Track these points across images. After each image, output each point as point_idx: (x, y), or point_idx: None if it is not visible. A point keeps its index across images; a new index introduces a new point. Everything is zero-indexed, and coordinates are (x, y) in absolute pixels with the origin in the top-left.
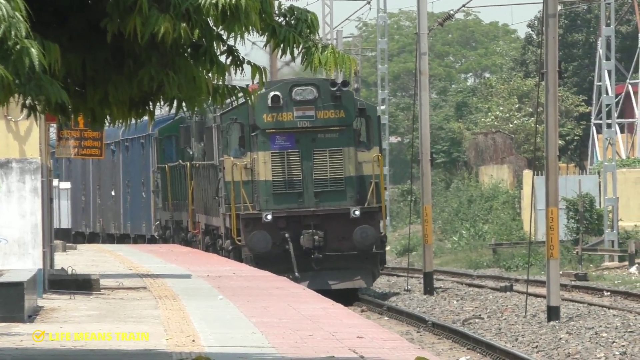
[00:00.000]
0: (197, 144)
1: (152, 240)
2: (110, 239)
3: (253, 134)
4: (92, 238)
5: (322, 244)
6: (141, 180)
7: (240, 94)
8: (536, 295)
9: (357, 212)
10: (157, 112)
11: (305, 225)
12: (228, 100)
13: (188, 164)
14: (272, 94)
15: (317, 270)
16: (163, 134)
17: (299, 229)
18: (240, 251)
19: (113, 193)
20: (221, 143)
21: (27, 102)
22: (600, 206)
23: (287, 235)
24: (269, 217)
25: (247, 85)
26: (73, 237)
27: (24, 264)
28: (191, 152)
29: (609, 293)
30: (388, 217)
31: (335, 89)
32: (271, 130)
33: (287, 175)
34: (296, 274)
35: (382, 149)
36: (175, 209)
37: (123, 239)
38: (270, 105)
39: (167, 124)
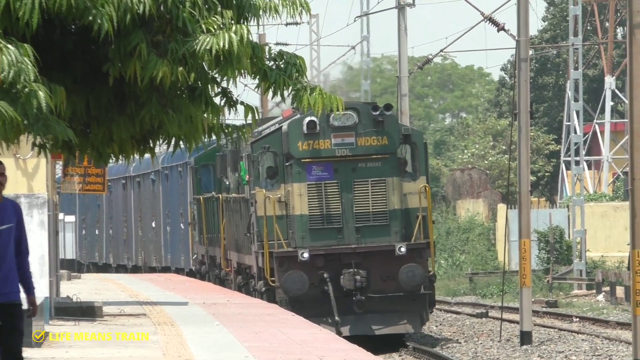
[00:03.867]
0: (232, 174)
1: (191, 274)
2: (152, 272)
3: (287, 163)
4: (135, 271)
5: (365, 285)
6: (180, 211)
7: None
8: (510, 321)
9: (403, 249)
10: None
11: (345, 264)
12: (259, 128)
13: (221, 196)
14: (307, 119)
15: (359, 314)
16: (199, 162)
17: (339, 268)
18: (274, 293)
19: (154, 224)
20: (252, 174)
21: (37, 141)
22: (569, 238)
23: (325, 275)
24: (306, 255)
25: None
26: (115, 269)
27: None
28: (227, 183)
29: (577, 319)
30: None
31: (377, 113)
32: (307, 160)
33: (325, 209)
34: (336, 317)
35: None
36: (209, 243)
37: (164, 271)
38: (305, 132)
39: (204, 152)
